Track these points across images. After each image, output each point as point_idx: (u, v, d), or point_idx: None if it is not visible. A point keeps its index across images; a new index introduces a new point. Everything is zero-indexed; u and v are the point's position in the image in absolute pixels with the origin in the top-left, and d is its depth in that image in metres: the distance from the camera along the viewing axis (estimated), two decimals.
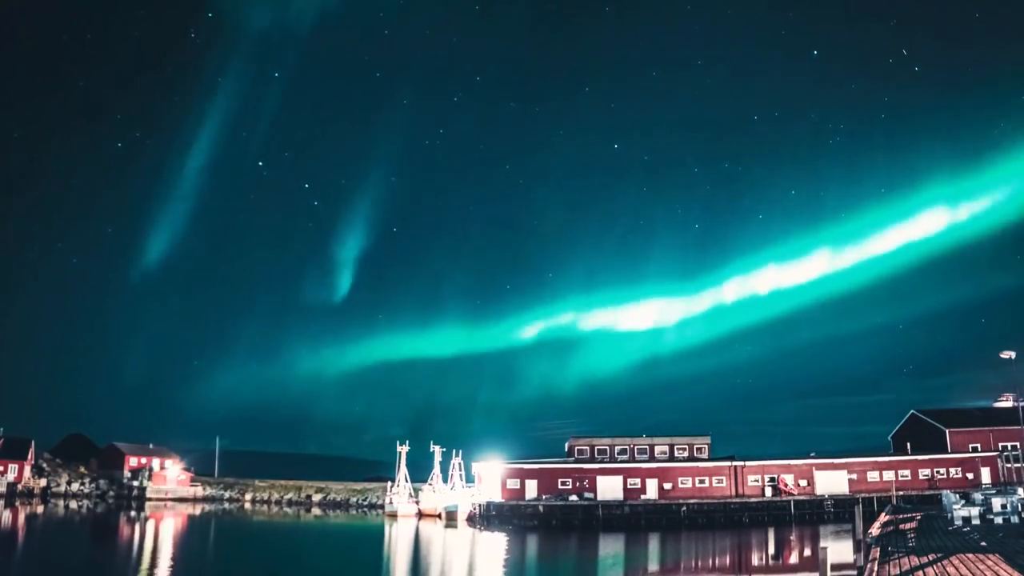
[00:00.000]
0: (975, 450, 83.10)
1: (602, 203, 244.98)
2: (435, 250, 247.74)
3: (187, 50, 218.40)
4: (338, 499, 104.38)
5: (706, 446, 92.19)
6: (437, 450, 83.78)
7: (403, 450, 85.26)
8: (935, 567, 19.51)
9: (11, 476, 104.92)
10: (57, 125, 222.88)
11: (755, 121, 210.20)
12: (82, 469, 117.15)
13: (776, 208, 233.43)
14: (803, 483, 79.00)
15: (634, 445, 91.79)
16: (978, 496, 40.07)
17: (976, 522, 33.43)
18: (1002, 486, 63.19)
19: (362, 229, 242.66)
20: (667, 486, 78.24)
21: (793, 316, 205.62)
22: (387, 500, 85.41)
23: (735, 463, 79.98)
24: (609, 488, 77.97)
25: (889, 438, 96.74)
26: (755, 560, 50.75)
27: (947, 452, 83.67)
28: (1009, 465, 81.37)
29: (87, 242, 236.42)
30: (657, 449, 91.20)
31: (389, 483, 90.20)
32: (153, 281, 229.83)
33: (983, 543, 24.62)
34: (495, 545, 57.13)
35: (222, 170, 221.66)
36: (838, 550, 35.59)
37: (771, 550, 55.03)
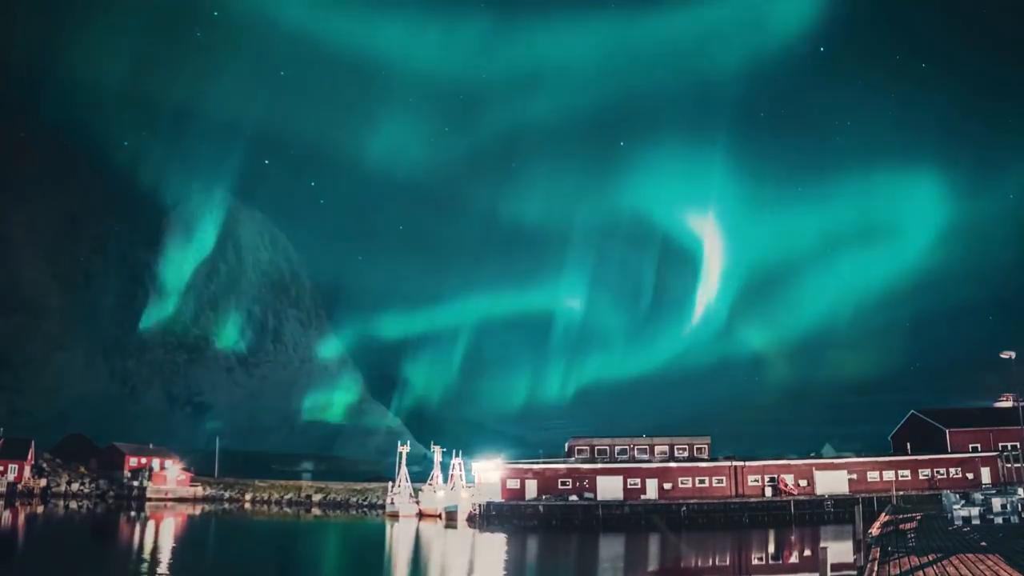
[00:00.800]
0: (975, 450, 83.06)
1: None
2: None
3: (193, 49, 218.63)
4: (338, 499, 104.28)
5: (706, 446, 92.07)
6: (437, 450, 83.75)
7: (403, 450, 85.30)
8: (935, 567, 19.52)
9: (11, 476, 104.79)
10: (60, 123, 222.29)
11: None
12: (82, 469, 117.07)
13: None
14: (803, 483, 78.99)
15: (634, 445, 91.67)
16: (978, 496, 40.05)
17: (976, 522, 33.43)
18: (1002, 486, 63.18)
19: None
20: (667, 486, 78.23)
21: (793, 317, 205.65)
22: (387, 500, 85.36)
23: (735, 463, 79.96)
24: (609, 488, 77.93)
25: (889, 438, 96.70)
26: (755, 560, 50.76)
27: (947, 452, 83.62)
28: (1009, 465, 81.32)
29: (91, 240, 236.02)
30: (657, 449, 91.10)
31: (389, 483, 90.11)
32: (155, 281, 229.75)
33: (983, 543, 24.62)
34: (495, 545, 57.13)
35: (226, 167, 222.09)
36: (838, 550, 35.59)
37: (771, 550, 55.04)
